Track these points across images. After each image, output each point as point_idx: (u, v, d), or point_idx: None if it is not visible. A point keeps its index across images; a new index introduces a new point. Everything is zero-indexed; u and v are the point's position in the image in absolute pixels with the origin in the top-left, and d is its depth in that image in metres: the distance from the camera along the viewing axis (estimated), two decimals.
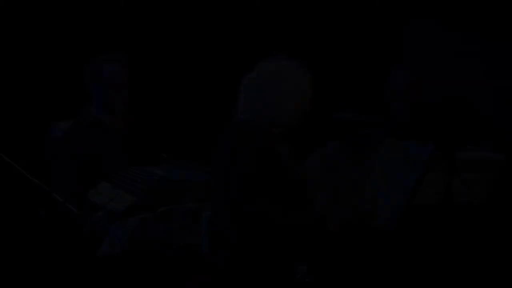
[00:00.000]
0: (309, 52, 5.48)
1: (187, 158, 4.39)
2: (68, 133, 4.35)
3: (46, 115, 4.85)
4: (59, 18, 5.38)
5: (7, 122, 5.11)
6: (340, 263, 3.43)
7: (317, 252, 3.36)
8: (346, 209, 3.66)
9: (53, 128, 4.55)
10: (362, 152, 4.80)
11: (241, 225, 3.34)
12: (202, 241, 3.65)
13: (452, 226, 3.58)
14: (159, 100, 4.77)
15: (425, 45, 5.38)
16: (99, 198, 4.03)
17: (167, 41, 5.62)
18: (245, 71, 3.56)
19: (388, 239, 4.29)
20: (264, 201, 3.31)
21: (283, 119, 3.49)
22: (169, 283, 3.98)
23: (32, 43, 5.34)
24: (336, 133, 4.83)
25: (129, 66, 4.35)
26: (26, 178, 3.78)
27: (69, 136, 4.32)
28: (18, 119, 5.18)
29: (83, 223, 3.87)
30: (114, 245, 3.66)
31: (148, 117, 4.64)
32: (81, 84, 4.39)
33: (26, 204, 4.29)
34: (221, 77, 5.39)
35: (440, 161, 3.44)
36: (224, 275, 3.43)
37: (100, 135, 4.34)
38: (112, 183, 4.09)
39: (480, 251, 4.93)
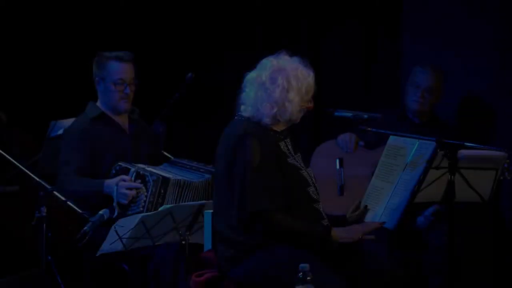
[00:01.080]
0: (310, 49, 5.49)
1: (188, 158, 4.39)
2: (73, 125, 4.35)
3: (50, 113, 4.86)
4: (65, 17, 5.41)
5: (9, 121, 5.13)
6: (341, 263, 3.43)
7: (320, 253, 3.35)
8: (348, 207, 3.66)
9: (53, 126, 4.55)
10: (363, 149, 4.80)
11: (243, 225, 3.34)
12: (204, 240, 3.64)
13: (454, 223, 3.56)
14: (160, 100, 4.79)
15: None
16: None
17: (169, 40, 5.63)
18: (247, 68, 3.55)
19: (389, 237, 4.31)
20: (266, 200, 3.30)
21: (285, 116, 3.47)
22: (170, 281, 3.98)
23: (38, 42, 5.36)
24: (338, 130, 4.83)
25: (134, 64, 4.37)
26: (27, 176, 3.78)
27: (74, 128, 4.32)
28: (21, 117, 5.20)
29: (84, 221, 3.87)
30: (115, 243, 3.67)
31: (151, 116, 4.65)
32: (88, 82, 4.40)
33: (27, 202, 4.30)
34: (222, 75, 5.40)
35: (442, 159, 3.43)
36: (226, 274, 3.43)
37: (105, 129, 4.34)
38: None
39: (481, 249, 4.94)
